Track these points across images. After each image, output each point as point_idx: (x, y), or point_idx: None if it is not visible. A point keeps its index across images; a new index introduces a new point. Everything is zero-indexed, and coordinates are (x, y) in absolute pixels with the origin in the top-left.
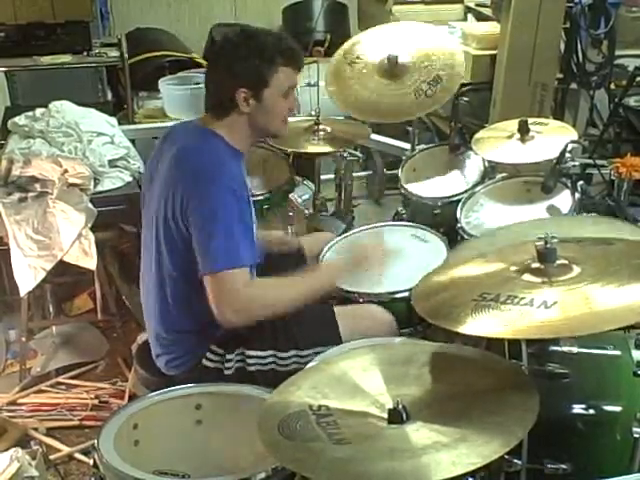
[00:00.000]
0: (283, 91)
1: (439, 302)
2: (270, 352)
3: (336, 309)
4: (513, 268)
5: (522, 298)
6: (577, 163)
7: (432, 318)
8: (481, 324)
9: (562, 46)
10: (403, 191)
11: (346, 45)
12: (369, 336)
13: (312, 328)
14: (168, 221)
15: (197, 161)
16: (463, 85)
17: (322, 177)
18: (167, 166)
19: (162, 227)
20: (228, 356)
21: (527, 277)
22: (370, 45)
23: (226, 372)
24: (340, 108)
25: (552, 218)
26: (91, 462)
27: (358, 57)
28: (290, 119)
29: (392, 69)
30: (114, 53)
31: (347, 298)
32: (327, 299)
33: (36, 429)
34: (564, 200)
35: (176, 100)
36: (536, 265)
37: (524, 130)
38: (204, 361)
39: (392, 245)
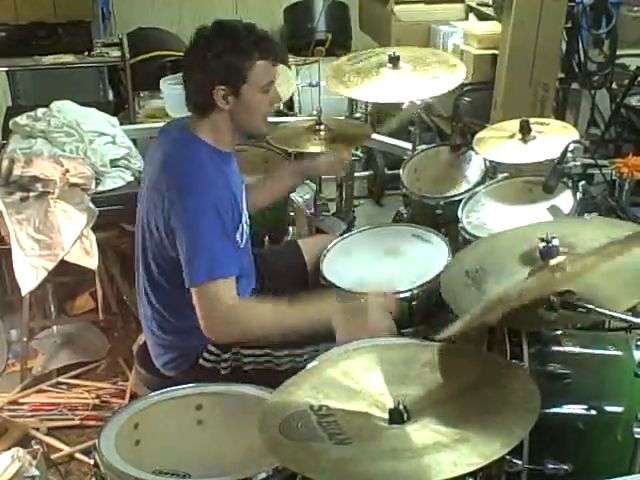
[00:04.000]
0: (262, 86)
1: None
2: (265, 350)
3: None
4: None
5: None
6: (579, 163)
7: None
8: None
9: (563, 46)
10: (404, 191)
11: None
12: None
13: None
14: (152, 229)
15: (179, 172)
16: (464, 85)
17: (323, 177)
18: (153, 171)
19: (147, 233)
20: (224, 355)
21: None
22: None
23: (222, 372)
24: None
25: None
26: (92, 462)
27: None
28: (291, 119)
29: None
30: (115, 53)
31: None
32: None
33: (37, 429)
34: (565, 200)
35: (177, 100)
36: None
37: (525, 130)
38: (201, 361)
39: (393, 245)
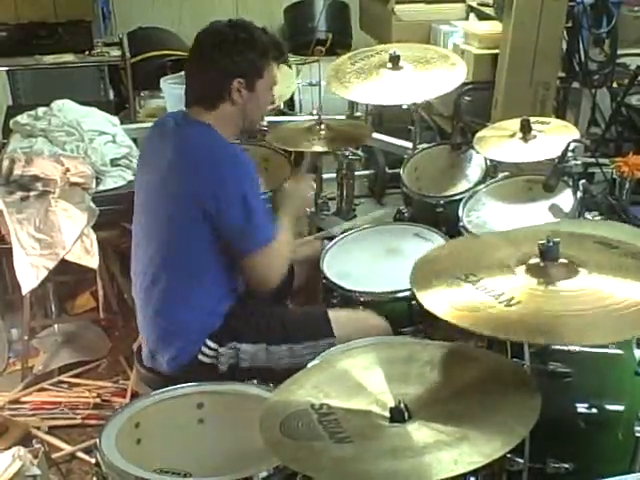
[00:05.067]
0: (272, 84)
1: (430, 271)
2: (262, 345)
3: (331, 313)
4: (513, 260)
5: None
6: (579, 162)
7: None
8: (435, 298)
9: (564, 45)
10: (405, 190)
11: None
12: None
13: (304, 323)
14: (179, 219)
15: (208, 156)
16: (465, 84)
17: (324, 176)
18: (170, 160)
19: (173, 223)
20: (221, 350)
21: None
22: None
23: (220, 367)
24: None
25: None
26: (93, 461)
27: None
28: (292, 118)
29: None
30: (116, 52)
31: (348, 298)
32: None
33: (38, 428)
34: (566, 199)
35: (178, 99)
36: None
37: (526, 129)
38: (200, 357)
39: (394, 244)
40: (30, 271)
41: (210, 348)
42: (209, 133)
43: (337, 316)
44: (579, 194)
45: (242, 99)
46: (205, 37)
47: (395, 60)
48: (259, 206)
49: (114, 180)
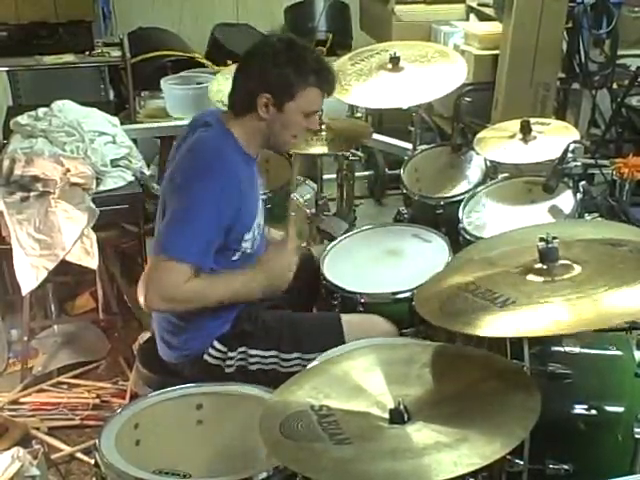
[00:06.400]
0: (306, 110)
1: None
2: (273, 352)
3: (343, 317)
4: (516, 269)
5: (494, 293)
6: (579, 163)
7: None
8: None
9: (564, 46)
10: (405, 191)
11: None
12: None
13: (318, 333)
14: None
15: (202, 152)
16: (465, 85)
17: (324, 177)
18: (181, 153)
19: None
20: (230, 354)
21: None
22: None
23: (227, 370)
24: None
25: (559, 222)
26: (92, 462)
27: None
28: None
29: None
30: (116, 53)
31: (348, 299)
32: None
33: (37, 428)
34: (566, 200)
35: (178, 100)
36: (538, 265)
37: (526, 130)
38: (205, 356)
39: (394, 245)
40: (30, 272)
41: (218, 350)
42: (218, 140)
43: (349, 322)
44: (579, 195)
45: (268, 116)
46: (253, 46)
47: (395, 61)
48: (189, 221)
49: (114, 181)
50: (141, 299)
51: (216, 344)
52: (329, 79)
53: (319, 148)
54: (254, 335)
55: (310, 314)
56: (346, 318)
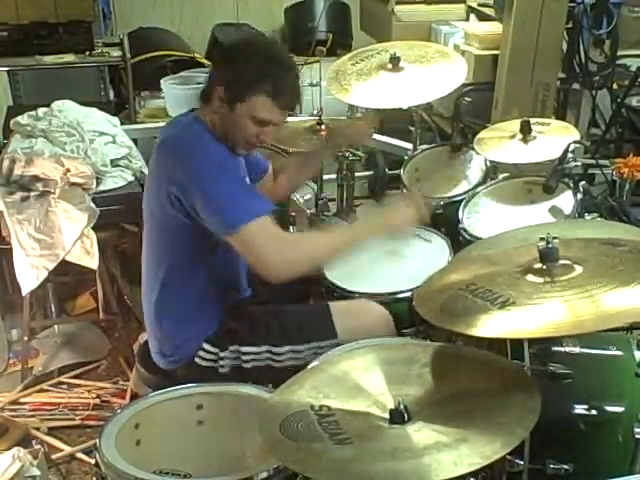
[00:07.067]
0: (255, 117)
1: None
2: (264, 347)
3: (331, 305)
4: (516, 268)
5: (494, 294)
6: (579, 163)
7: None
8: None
9: (564, 46)
10: (405, 191)
11: None
12: (365, 331)
13: (307, 323)
14: (157, 213)
15: (177, 145)
16: (465, 85)
17: (324, 177)
18: (153, 158)
19: (155, 220)
20: (222, 354)
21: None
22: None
23: (221, 370)
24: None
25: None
26: (93, 462)
27: None
28: (292, 119)
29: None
30: (116, 53)
31: (348, 299)
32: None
33: (38, 428)
34: (566, 200)
35: (178, 99)
36: (537, 265)
37: (526, 130)
38: (196, 359)
39: (394, 245)
40: (30, 272)
41: (208, 352)
42: (188, 124)
43: (338, 306)
44: (579, 195)
45: (222, 110)
46: (239, 39)
47: (395, 61)
48: (222, 188)
49: (114, 181)
50: (268, 276)
51: (205, 346)
52: (285, 93)
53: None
54: (242, 332)
55: (297, 305)
56: (335, 305)
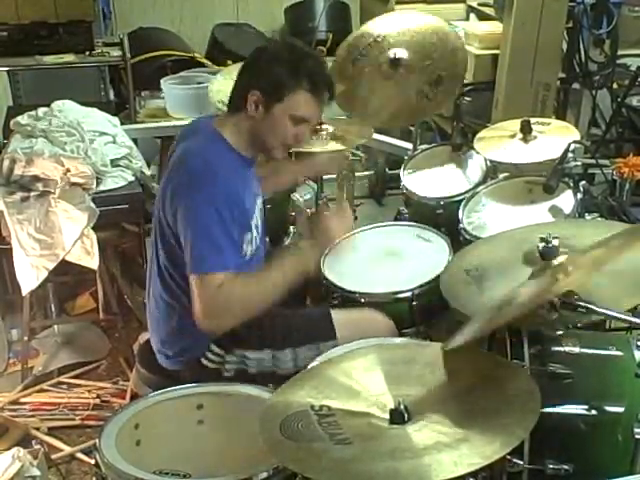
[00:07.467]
0: (294, 115)
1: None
2: (267, 351)
3: (334, 313)
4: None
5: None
6: (579, 163)
7: None
8: None
9: (564, 46)
10: (405, 191)
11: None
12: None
13: (306, 326)
14: (161, 219)
15: (192, 165)
16: (465, 85)
17: (324, 177)
18: (171, 163)
19: (158, 224)
20: (228, 357)
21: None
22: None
23: (225, 374)
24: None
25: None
26: (92, 462)
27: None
28: None
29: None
30: (116, 53)
31: (348, 299)
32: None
33: (38, 428)
34: (566, 200)
35: (178, 99)
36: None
37: (526, 130)
38: (203, 360)
39: (394, 245)
40: (30, 272)
41: (215, 353)
42: (209, 142)
43: (340, 317)
44: (579, 195)
45: (257, 114)
46: (259, 46)
47: (395, 62)
48: (211, 229)
49: (114, 181)
50: (206, 325)
51: (213, 347)
52: (323, 86)
53: (319, 147)
54: (247, 335)
55: (299, 310)
56: (337, 313)
